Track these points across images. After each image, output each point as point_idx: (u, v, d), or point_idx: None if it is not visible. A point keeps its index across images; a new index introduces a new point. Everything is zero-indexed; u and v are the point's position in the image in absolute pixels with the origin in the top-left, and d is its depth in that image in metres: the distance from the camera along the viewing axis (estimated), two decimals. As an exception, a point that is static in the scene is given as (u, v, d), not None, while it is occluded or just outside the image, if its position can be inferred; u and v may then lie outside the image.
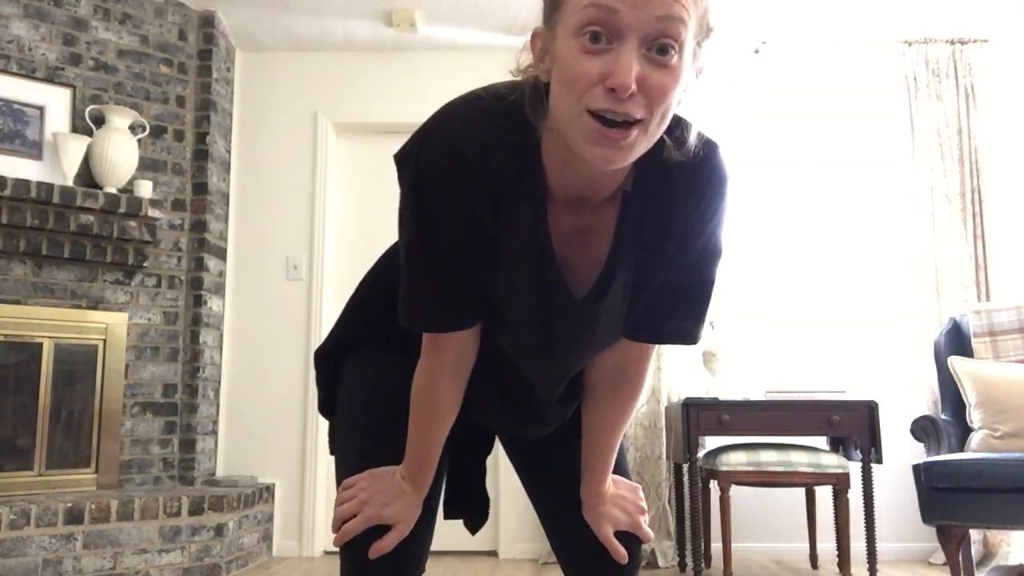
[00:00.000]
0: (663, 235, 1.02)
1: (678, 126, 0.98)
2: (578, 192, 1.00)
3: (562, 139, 0.92)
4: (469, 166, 0.95)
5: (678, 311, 1.08)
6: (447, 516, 1.32)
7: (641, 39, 0.84)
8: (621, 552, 1.18)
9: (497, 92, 0.99)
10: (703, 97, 4.08)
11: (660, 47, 0.85)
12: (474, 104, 0.98)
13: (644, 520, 1.22)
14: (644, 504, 1.24)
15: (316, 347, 1.49)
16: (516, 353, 1.11)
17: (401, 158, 1.00)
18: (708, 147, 1.01)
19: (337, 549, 1.14)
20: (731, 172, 1.04)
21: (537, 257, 1.01)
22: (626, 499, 1.22)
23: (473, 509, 1.34)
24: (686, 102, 0.94)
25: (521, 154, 0.97)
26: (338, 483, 1.17)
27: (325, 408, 1.29)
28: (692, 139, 0.99)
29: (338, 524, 1.12)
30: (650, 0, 0.83)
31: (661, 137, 0.95)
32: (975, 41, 4.08)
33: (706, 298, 1.09)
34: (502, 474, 3.76)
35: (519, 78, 0.98)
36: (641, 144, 0.89)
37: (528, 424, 1.26)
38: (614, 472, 1.23)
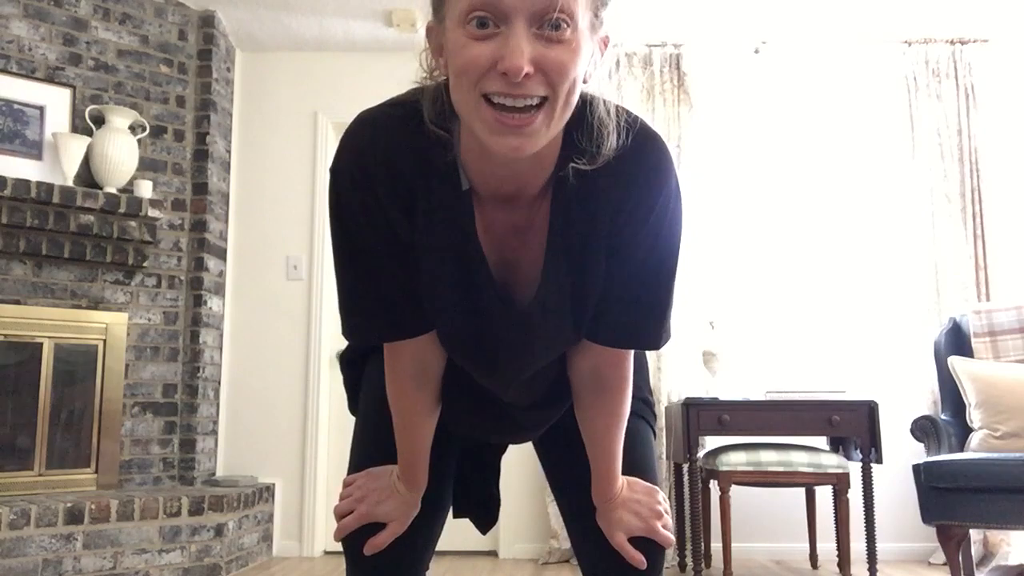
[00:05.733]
0: (595, 228, 0.98)
1: (607, 111, 0.95)
2: (503, 188, 0.97)
3: (474, 135, 0.90)
4: (376, 178, 0.95)
5: (633, 315, 1.03)
6: (456, 515, 1.31)
7: (529, 18, 0.82)
8: (637, 558, 1.12)
9: (407, 96, 0.98)
10: (703, 97, 4.10)
11: (552, 23, 0.82)
12: (381, 112, 0.98)
13: (662, 524, 1.14)
14: (663, 507, 1.16)
15: (336, 349, 1.49)
16: (460, 360, 1.09)
17: (329, 171, 1.01)
18: (641, 137, 0.97)
19: (340, 547, 1.14)
20: (671, 166, 0.98)
21: (465, 259, 0.99)
22: (641, 503, 1.14)
23: (482, 509, 1.32)
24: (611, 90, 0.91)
25: (432, 157, 0.95)
26: None
27: (352, 408, 1.32)
28: (612, 107, 0.95)
29: (337, 520, 1.14)
30: None
31: (588, 124, 0.93)
32: (975, 41, 4.09)
33: (662, 302, 1.04)
34: (502, 474, 3.76)
35: (425, 82, 0.97)
36: (547, 128, 0.86)
37: (507, 432, 1.24)
38: (634, 473, 1.18)
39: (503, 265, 1.01)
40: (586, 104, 0.94)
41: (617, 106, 0.97)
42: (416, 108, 0.95)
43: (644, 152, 0.97)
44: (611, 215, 0.97)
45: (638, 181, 0.97)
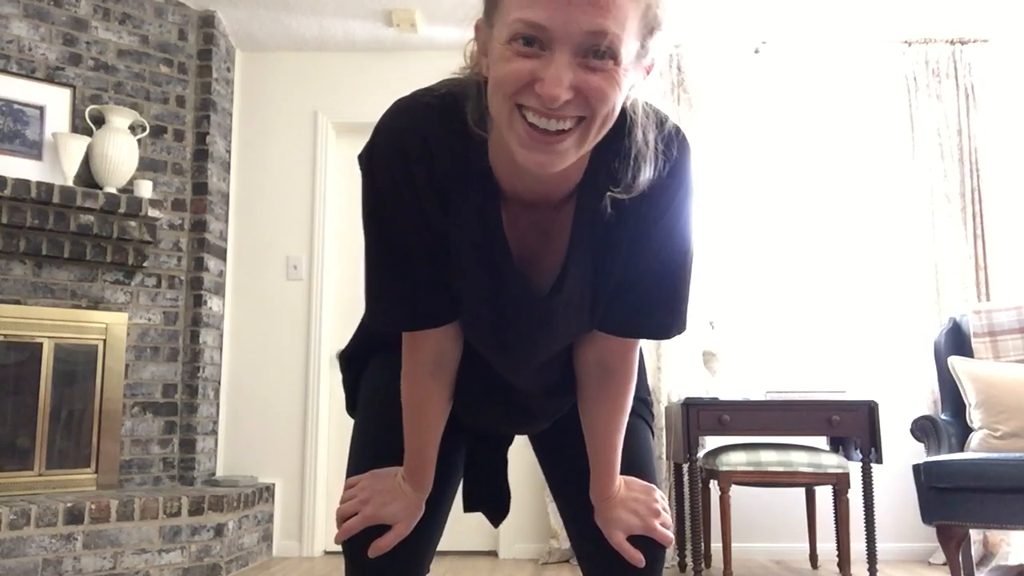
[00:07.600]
0: (617, 228, 1.00)
1: (646, 118, 0.97)
2: (528, 196, 0.98)
3: (504, 142, 0.91)
4: (414, 163, 0.96)
5: (646, 305, 1.05)
6: (467, 509, 1.31)
7: (574, 49, 0.83)
8: (636, 556, 1.11)
9: (446, 88, 0.99)
10: (703, 97, 4.10)
11: (596, 53, 0.84)
12: (421, 101, 0.99)
13: (661, 522, 1.14)
14: (661, 505, 1.15)
15: (336, 349, 1.49)
16: (479, 345, 1.11)
17: (359, 158, 1.01)
18: (665, 136, 0.99)
19: (339, 548, 1.14)
20: (690, 162, 1.01)
21: (491, 253, 1.01)
22: (639, 501, 1.14)
23: (493, 503, 1.32)
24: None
25: (466, 152, 0.97)
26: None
27: (350, 408, 1.31)
28: (652, 135, 0.96)
29: (339, 522, 1.13)
30: (579, 16, 0.81)
31: (626, 150, 0.94)
32: (975, 41, 4.08)
33: (675, 293, 1.06)
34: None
35: (466, 73, 0.98)
36: (577, 149, 0.88)
37: (517, 421, 1.24)
38: (632, 472, 1.17)
39: (524, 258, 1.03)
40: (626, 124, 0.95)
41: (657, 132, 0.97)
42: (454, 103, 0.97)
43: (670, 154, 0.99)
44: (632, 212, 0.99)
45: (661, 180, 0.99)
